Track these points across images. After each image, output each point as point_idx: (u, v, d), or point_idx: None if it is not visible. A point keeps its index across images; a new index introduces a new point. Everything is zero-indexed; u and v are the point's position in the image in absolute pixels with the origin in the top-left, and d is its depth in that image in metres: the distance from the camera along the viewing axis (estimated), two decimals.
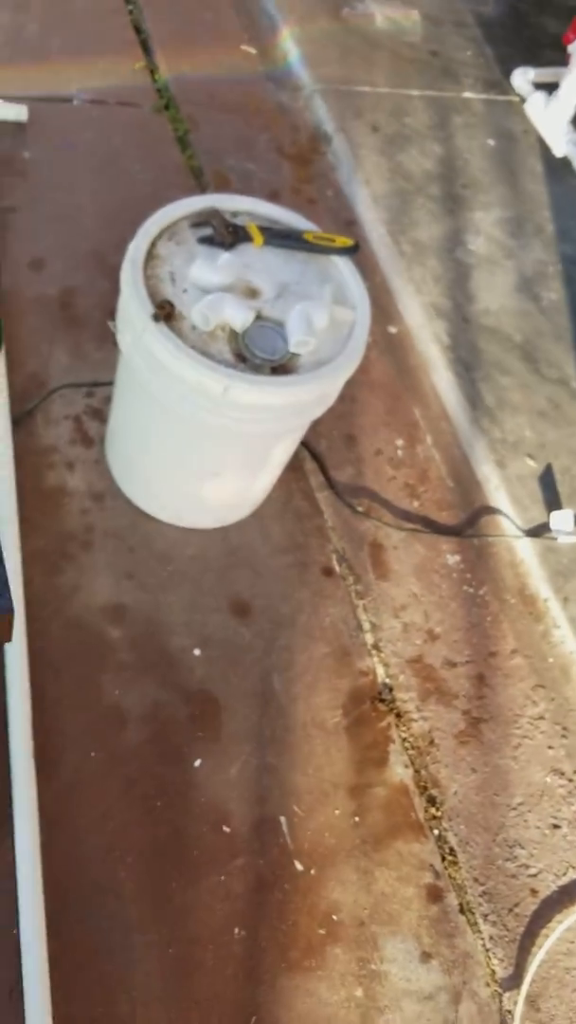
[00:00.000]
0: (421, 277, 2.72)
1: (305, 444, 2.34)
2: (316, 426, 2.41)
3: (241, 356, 1.69)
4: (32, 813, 1.69)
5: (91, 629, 1.96)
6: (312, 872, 1.87)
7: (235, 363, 1.67)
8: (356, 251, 1.88)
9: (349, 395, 2.50)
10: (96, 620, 1.98)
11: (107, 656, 1.95)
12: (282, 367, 1.71)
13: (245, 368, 1.67)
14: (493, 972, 1.88)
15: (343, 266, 1.88)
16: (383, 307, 2.70)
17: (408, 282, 2.70)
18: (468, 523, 2.42)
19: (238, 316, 1.67)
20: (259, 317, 1.72)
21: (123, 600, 2.02)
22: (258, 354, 1.68)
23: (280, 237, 1.84)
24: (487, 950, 1.90)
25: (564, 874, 2.01)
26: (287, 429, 1.84)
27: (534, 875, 2.00)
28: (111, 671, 1.94)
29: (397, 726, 2.09)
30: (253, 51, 3.14)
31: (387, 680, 2.14)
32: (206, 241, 1.78)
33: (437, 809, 2.01)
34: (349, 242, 1.87)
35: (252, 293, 1.75)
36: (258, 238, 1.81)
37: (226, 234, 1.79)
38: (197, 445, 1.87)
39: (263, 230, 1.83)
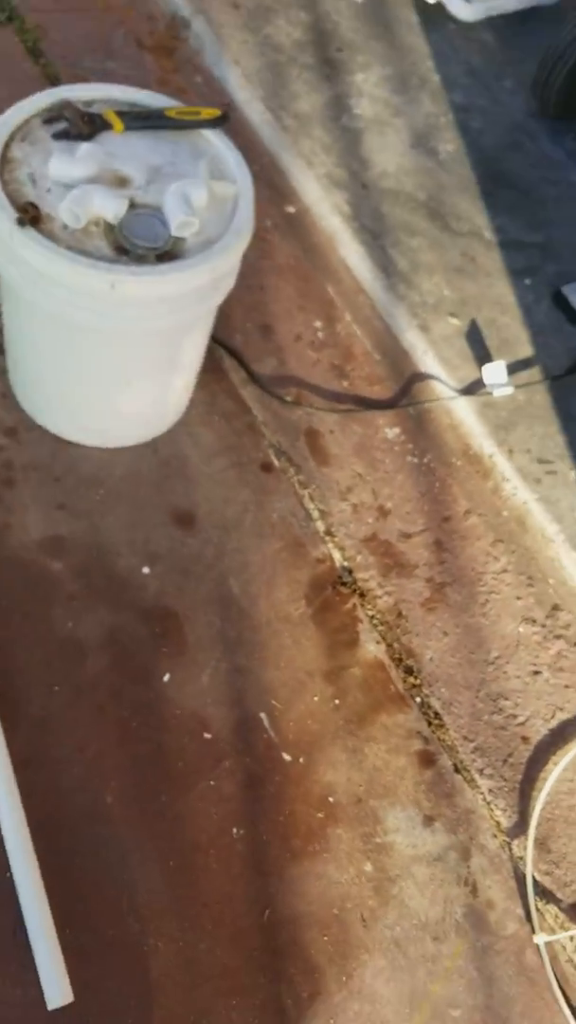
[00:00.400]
0: (310, 150, 2.60)
1: (219, 341, 2.25)
2: (228, 321, 2.32)
3: (122, 249, 1.59)
4: (3, 755, 1.65)
5: (31, 566, 1.89)
6: (301, 760, 1.85)
7: (116, 257, 1.58)
8: (226, 121, 1.77)
9: (257, 283, 2.41)
10: (35, 556, 1.91)
11: (53, 590, 1.89)
12: (168, 254, 1.61)
13: (128, 261, 1.58)
14: (498, 823, 1.89)
15: (216, 140, 1.77)
16: (276, 187, 2.59)
17: (297, 157, 2.58)
18: (401, 394, 2.36)
19: (109, 206, 1.57)
20: (133, 205, 1.62)
21: (59, 532, 1.95)
22: (139, 243, 1.59)
23: (141, 119, 1.73)
24: (488, 803, 1.90)
25: (552, 717, 2.01)
26: (189, 321, 1.75)
27: (522, 723, 2.00)
28: (60, 604, 1.88)
29: (362, 605, 2.06)
30: None
31: (345, 563, 2.10)
32: (62, 136, 1.67)
33: (415, 678, 2.00)
34: (216, 112, 1.76)
35: (122, 182, 1.64)
36: (118, 124, 1.69)
37: (82, 125, 1.67)
38: (99, 355, 1.78)
39: (122, 115, 1.71)
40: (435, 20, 3.05)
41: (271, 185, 2.59)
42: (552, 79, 2.78)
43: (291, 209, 2.57)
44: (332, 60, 2.83)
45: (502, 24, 3.12)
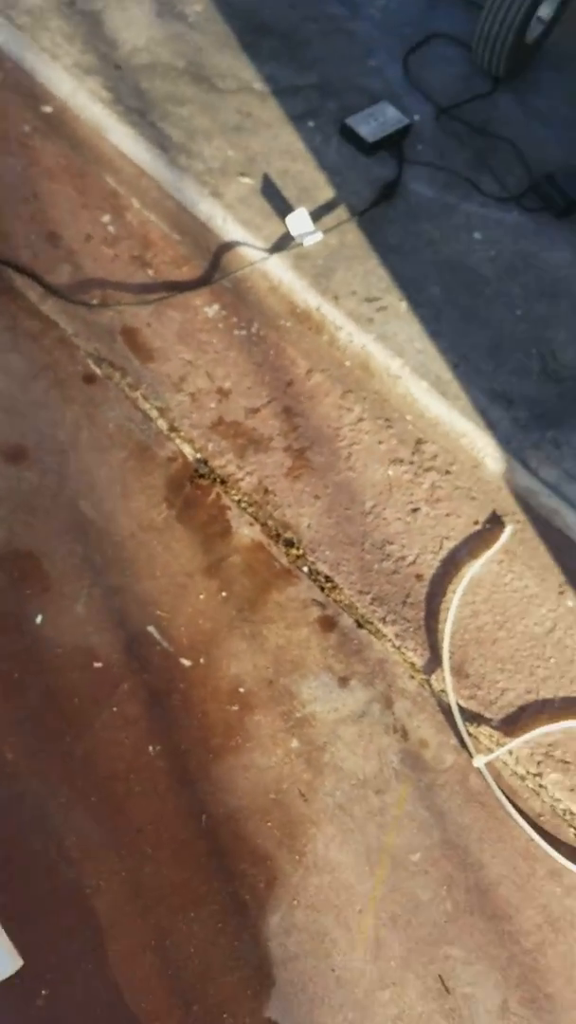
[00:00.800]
0: (52, 43, 2.40)
1: (3, 261, 2.08)
2: (9, 239, 2.14)
3: None
4: None
5: None
6: (201, 661, 1.77)
7: None
8: None
9: (29, 193, 2.22)
10: None
11: None
12: None
13: None
14: (412, 664, 1.85)
15: None
16: (26, 90, 2.38)
17: (40, 53, 2.37)
18: (212, 269, 2.23)
19: None
20: None
21: None
22: None
23: None
24: (398, 648, 1.86)
25: (440, 548, 1.97)
26: None
27: (413, 562, 1.95)
28: None
29: (226, 492, 1.96)
30: None
31: (198, 455, 1.99)
32: None
33: (297, 548, 1.92)
34: None
35: None
36: None
37: None
38: None
39: None
40: None
41: (19, 90, 2.38)
42: None
43: (47, 109, 2.37)
44: None
45: None
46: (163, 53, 2.46)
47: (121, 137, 2.31)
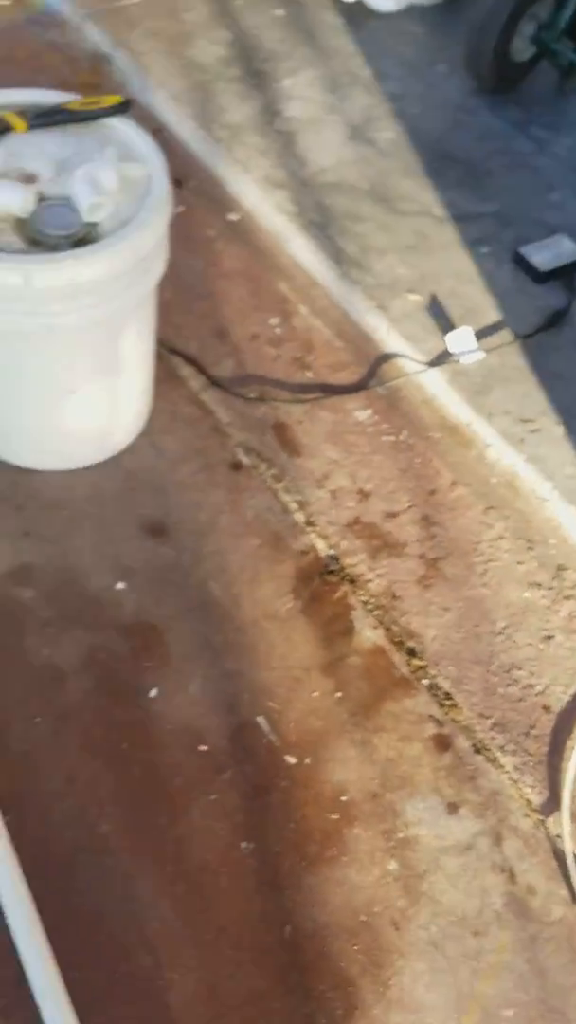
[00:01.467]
0: (246, 156, 2.57)
1: (174, 349, 2.19)
2: (181, 330, 2.26)
3: (35, 241, 1.53)
4: None
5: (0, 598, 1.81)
6: (307, 761, 1.72)
7: (29, 249, 1.52)
8: (129, 107, 1.73)
9: (206, 291, 2.35)
10: (3, 587, 1.82)
11: (25, 619, 1.80)
12: (84, 239, 1.55)
13: (41, 251, 1.52)
14: (528, 801, 1.74)
15: (123, 126, 1.73)
16: (215, 199, 2.54)
17: (233, 164, 2.54)
18: (369, 376, 2.27)
19: (15, 200, 1.52)
20: (43, 199, 1.57)
21: (25, 560, 1.86)
22: (51, 232, 1.53)
23: (44, 116, 1.69)
24: (515, 781, 1.75)
25: (572, 682, 1.87)
26: (119, 312, 1.68)
27: (541, 692, 1.85)
28: (33, 632, 1.78)
29: (354, 592, 1.94)
30: (6, 1, 2.98)
31: (330, 551, 1.99)
32: None
33: (420, 659, 1.87)
34: (118, 98, 1.72)
35: (28, 178, 1.60)
36: (19, 124, 1.65)
37: None
38: (33, 363, 1.71)
39: (24, 115, 1.67)
40: (357, 18, 3.04)
41: (210, 198, 2.55)
42: (481, 53, 2.74)
43: (233, 216, 2.52)
44: (258, 71, 2.82)
45: (427, 12, 3.11)
46: (349, 174, 2.59)
47: (299, 248, 2.42)
